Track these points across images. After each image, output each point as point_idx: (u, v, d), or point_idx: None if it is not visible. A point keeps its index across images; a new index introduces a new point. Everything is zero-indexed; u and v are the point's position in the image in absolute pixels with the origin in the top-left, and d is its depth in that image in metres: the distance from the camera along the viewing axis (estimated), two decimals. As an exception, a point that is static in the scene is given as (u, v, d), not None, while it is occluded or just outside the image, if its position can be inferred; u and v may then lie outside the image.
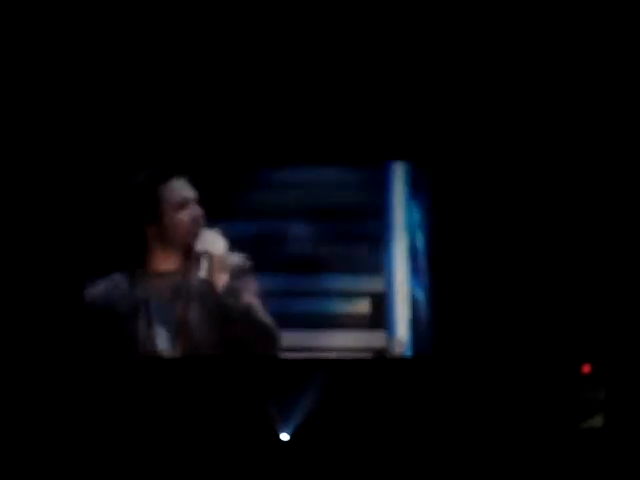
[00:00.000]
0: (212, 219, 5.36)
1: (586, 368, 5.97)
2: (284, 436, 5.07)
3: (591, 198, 6.16)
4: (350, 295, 6.07)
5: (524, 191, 6.16)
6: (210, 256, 4.76)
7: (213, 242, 4.85)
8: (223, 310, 4.78)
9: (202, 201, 5.03)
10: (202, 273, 4.71)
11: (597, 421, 5.74)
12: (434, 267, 6.06)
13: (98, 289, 4.75)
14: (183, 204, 4.84)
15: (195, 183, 5.12)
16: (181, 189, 4.86)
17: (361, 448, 5.62)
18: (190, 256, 4.88)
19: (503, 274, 6.13)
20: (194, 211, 4.82)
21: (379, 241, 6.12)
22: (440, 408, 5.75)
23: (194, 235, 4.93)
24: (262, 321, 4.89)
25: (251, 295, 4.89)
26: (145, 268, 4.77)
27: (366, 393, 5.76)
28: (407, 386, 5.74)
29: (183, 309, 4.68)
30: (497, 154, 6.19)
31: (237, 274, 4.83)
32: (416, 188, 6.07)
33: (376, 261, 6.09)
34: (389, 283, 6.08)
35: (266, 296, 5.38)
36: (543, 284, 6.14)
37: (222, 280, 4.88)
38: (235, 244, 5.10)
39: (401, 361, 6.05)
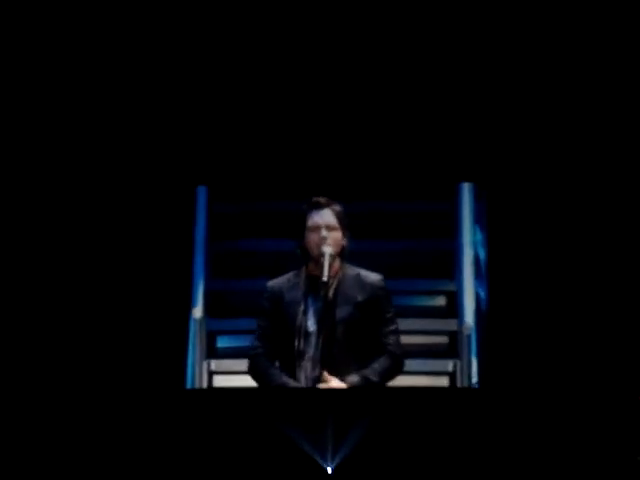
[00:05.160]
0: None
1: (644, 396, 5.28)
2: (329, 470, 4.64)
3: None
4: (431, 293, 7.25)
5: (574, 215, 6.58)
6: (326, 256, 4.96)
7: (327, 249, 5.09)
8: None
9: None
10: (324, 278, 4.90)
11: None
12: (491, 274, 6.94)
13: (278, 279, 5.16)
14: (314, 228, 5.03)
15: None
16: (317, 217, 5.06)
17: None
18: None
19: (554, 291, 6.52)
20: (321, 234, 5.01)
21: (452, 254, 7.21)
22: (492, 436, 4.47)
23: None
24: None
25: (383, 327, 5.08)
26: (307, 271, 5.08)
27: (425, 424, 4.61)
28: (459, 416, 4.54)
29: (326, 305, 5.06)
30: (547, 180, 6.64)
31: (372, 294, 5.08)
32: (478, 215, 7.10)
33: (450, 269, 7.22)
34: (459, 284, 7.14)
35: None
36: (598, 307, 6.36)
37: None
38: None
39: (458, 391, 6.02)
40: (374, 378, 4.98)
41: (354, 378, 4.96)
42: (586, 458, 4.60)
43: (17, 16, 6.58)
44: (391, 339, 5.08)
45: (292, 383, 4.94)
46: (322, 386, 4.89)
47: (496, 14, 6.59)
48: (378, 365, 5.03)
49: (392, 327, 5.09)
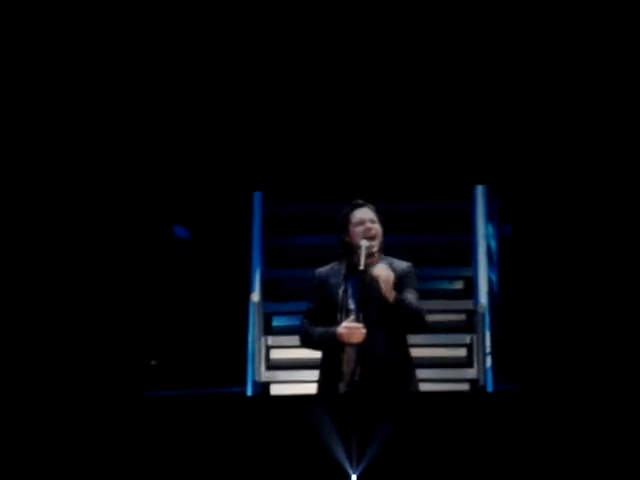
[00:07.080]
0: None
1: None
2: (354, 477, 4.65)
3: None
4: (451, 279, 8.02)
5: (573, 210, 6.78)
6: (363, 249, 5.42)
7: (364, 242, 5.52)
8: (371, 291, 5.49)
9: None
10: (361, 267, 5.37)
11: None
12: (501, 262, 7.76)
13: (324, 267, 5.68)
14: (358, 223, 5.54)
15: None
16: (360, 214, 5.56)
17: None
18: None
19: (555, 275, 6.84)
20: (366, 226, 5.51)
21: (469, 246, 7.99)
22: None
23: None
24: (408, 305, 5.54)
25: (407, 290, 5.55)
26: (347, 260, 5.55)
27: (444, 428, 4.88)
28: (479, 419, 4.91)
29: (363, 287, 5.49)
30: (550, 181, 6.83)
31: (402, 274, 5.56)
32: (490, 213, 7.93)
33: (467, 258, 7.99)
34: (475, 270, 7.88)
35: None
36: (592, 288, 6.58)
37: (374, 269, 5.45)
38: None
39: (477, 394, 6.55)
40: (410, 297, 5.47)
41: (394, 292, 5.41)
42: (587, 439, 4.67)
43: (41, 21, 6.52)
44: (415, 301, 5.50)
45: (332, 328, 5.46)
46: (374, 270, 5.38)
47: (510, 20, 6.50)
48: (413, 296, 5.51)
49: (416, 295, 5.54)
